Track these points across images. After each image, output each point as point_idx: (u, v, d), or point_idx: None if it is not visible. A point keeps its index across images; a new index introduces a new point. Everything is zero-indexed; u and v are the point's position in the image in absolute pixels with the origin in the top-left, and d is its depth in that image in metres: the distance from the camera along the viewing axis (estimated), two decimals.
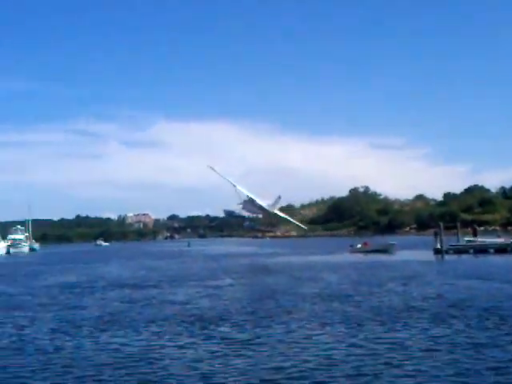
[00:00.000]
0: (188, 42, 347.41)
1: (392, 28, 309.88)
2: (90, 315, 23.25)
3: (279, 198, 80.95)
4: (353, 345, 16.05)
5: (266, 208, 77.78)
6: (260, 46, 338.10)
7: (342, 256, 65.30)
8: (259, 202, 77.46)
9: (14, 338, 18.76)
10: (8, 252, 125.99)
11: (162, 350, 16.12)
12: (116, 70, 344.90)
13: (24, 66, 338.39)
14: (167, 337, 18.11)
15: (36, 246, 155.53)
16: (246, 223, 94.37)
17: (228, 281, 37.61)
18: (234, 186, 76.75)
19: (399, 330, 17.92)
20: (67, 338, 18.41)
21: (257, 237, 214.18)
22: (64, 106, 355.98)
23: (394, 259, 56.64)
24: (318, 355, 14.95)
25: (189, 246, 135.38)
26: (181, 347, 16.46)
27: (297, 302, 25.40)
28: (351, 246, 74.01)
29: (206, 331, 18.85)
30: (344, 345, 16.09)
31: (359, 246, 73.39)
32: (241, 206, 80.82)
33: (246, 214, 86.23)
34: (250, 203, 78.61)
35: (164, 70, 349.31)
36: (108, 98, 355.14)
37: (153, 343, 17.22)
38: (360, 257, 62.79)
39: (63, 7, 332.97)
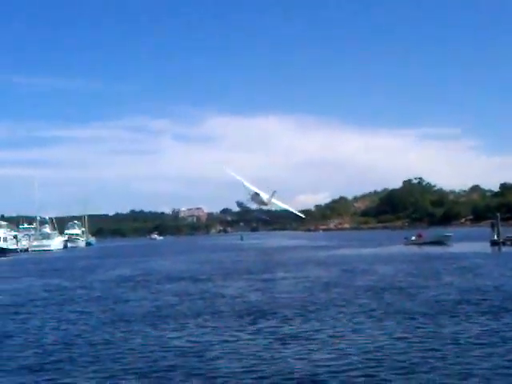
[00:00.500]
0: (241, 38, 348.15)
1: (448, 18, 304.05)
2: (141, 309, 23.40)
3: (274, 191, 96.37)
4: (404, 339, 15.66)
5: (265, 201, 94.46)
6: (312, 39, 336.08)
7: (395, 248, 64.47)
8: (262, 195, 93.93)
9: (65, 332, 18.98)
10: (65, 246, 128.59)
11: (211, 344, 16.04)
12: (168, 66, 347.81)
13: (82, 64, 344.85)
14: (217, 330, 18.04)
15: (92, 240, 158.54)
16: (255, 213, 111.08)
17: (280, 274, 37.45)
18: (242, 182, 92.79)
19: (454, 324, 17.47)
20: (118, 331, 18.53)
21: (309, 230, 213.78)
22: (119, 103, 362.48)
23: (449, 251, 55.62)
24: (367, 349, 14.63)
25: (242, 239, 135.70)
26: (230, 341, 16.36)
27: (349, 295, 25.07)
28: (406, 238, 72.98)
29: (255, 325, 18.75)
30: (395, 339, 15.73)
31: (413, 238, 72.36)
32: (249, 198, 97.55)
33: (253, 205, 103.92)
34: (255, 196, 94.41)
35: (216, 66, 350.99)
36: (162, 95, 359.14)
37: (202, 336, 17.17)
38: (414, 249, 61.95)
39: (119, 9, 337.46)
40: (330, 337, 16.40)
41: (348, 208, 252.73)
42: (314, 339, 16.18)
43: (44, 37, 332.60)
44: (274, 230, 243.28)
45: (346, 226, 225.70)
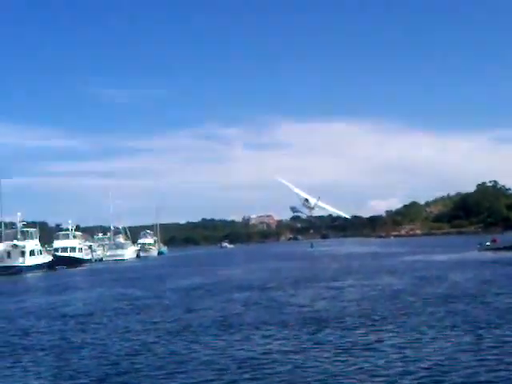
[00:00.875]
0: (304, 44, 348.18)
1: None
2: (207, 318, 23.47)
3: (319, 197, 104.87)
4: (473, 350, 15.17)
5: (312, 205, 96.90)
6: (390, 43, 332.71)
7: (469, 254, 62.71)
8: (310, 200, 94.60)
9: (131, 342, 19.23)
10: (138, 256, 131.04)
11: (273, 354, 15.98)
12: (237, 73, 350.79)
13: (153, 73, 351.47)
14: (280, 340, 17.99)
15: (164, 249, 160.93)
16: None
17: (349, 282, 37.06)
18: (293, 189, 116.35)
19: None
20: (183, 342, 18.67)
21: (381, 236, 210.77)
22: (190, 111, 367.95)
23: None
24: (433, 361, 14.22)
25: (312, 246, 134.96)
26: (291, 351, 16.22)
27: (418, 303, 24.53)
28: (480, 243, 70.83)
29: (320, 334, 18.60)
30: (464, 350, 15.25)
31: (488, 243, 70.26)
32: (301, 204, 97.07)
33: (305, 210, 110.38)
34: (305, 202, 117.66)
35: (286, 72, 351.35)
36: (232, 103, 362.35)
37: (264, 346, 17.16)
38: (489, 255, 60.17)
39: (179, 23, 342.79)
40: (393, 347, 16.01)
41: (420, 213, 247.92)
42: (375, 349, 15.84)
43: (122, 47, 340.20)
44: (345, 236, 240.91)
45: (418, 231, 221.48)
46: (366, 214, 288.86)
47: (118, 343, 19.15)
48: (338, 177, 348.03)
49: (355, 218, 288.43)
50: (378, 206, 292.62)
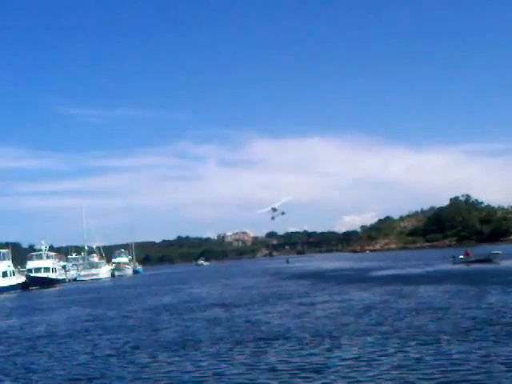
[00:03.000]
0: (281, 60, 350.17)
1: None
2: (165, 337, 23.51)
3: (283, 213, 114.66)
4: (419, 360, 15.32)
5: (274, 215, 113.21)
6: (358, 57, 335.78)
7: (443, 267, 63.31)
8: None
9: (84, 359, 19.46)
10: (113, 275, 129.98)
11: (216, 371, 16.22)
12: (211, 91, 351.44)
13: (125, 93, 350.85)
14: (224, 358, 18.16)
15: (139, 268, 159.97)
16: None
17: (321, 298, 36.89)
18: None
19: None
20: (126, 360, 18.97)
21: (355, 251, 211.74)
22: (164, 130, 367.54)
23: (498, 268, 54.18)
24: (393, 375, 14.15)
25: (288, 262, 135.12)
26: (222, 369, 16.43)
27: (385, 318, 24.50)
28: (453, 257, 71.41)
29: (262, 350, 18.87)
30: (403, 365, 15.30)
31: (461, 256, 70.81)
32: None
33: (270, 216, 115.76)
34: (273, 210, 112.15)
35: (257, 88, 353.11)
36: (204, 121, 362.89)
37: (199, 364, 17.44)
38: (462, 268, 60.59)
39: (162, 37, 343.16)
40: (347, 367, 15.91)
41: (394, 228, 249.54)
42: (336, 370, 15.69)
43: (95, 67, 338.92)
44: (320, 252, 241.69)
45: (393, 246, 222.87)
46: (340, 230, 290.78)
47: (65, 364, 19.12)
48: (312, 192, 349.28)
49: (330, 233, 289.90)
50: (353, 222, 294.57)
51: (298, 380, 14.66)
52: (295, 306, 32.80)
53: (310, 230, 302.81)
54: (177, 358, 18.56)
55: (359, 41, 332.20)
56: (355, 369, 15.29)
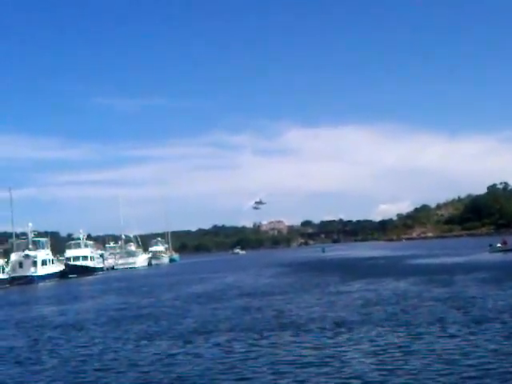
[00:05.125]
0: (311, 49, 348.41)
1: None
2: (189, 325, 24.06)
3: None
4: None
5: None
6: (393, 45, 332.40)
7: (480, 256, 62.64)
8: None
9: (108, 350, 19.83)
10: (150, 264, 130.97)
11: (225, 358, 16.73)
12: (244, 79, 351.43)
13: (160, 83, 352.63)
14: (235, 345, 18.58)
15: (176, 256, 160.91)
16: None
17: (357, 286, 36.93)
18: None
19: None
20: (143, 346, 19.72)
21: (392, 240, 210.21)
22: (198, 119, 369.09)
23: None
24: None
25: (323, 251, 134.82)
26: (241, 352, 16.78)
27: (415, 306, 24.54)
28: (490, 245, 70.63)
29: (288, 338, 19.37)
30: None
31: (498, 245, 70.00)
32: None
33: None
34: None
35: (291, 77, 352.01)
36: (240, 110, 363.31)
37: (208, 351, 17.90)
38: (500, 256, 59.96)
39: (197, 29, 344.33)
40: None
41: (431, 216, 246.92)
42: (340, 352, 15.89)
43: (124, 57, 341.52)
44: (356, 241, 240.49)
45: (430, 234, 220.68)
46: (376, 218, 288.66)
47: (98, 353, 19.46)
48: (347, 181, 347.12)
49: (366, 222, 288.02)
50: (389, 210, 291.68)
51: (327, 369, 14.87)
52: (329, 294, 32.93)
53: (345, 219, 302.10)
54: (203, 346, 18.97)
55: (395, 30, 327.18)
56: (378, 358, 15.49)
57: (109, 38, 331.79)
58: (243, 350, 17.84)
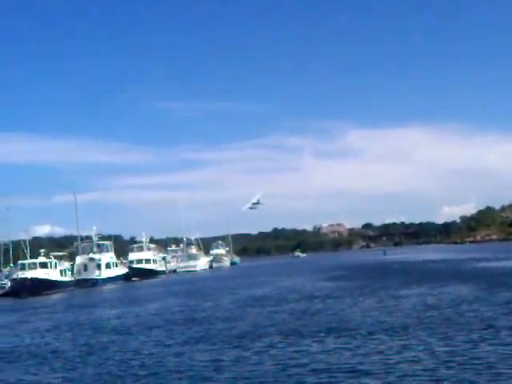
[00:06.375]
0: (372, 51, 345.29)
1: None
2: (238, 330, 24.18)
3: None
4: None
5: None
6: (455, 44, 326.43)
7: None
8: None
9: (171, 349, 20.44)
10: (211, 267, 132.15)
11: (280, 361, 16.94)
12: (301, 83, 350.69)
13: (215, 86, 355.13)
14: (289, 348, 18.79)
15: (236, 259, 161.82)
16: None
17: (417, 290, 36.32)
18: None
19: None
20: (189, 352, 19.77)
21: (455, 242, 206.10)
22: (256, 122, 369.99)
23: None
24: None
25: (385, 254, 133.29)
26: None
27: (476, 312, 24.06)
28: None
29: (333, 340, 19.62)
30: None
31: None
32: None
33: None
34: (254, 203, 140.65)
35: (349, 79, 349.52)
36: (299, 112, 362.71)
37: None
38: None
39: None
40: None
41: (495, 218, 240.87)
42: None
43: (186, 61, 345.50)
44: (418, 243, 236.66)
45: (494, 237, 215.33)
46: (439, 221, 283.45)
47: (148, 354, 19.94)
48: (409, 182, 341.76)
49: (428, 224, 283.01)
50: (453, 212, 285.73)
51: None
52: (387, 297, 32.61)
53: (407, 221, 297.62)
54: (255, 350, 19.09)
55: (455, 31, 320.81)
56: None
57: (171, 44, 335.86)
58: (294, 354, 17.96)
